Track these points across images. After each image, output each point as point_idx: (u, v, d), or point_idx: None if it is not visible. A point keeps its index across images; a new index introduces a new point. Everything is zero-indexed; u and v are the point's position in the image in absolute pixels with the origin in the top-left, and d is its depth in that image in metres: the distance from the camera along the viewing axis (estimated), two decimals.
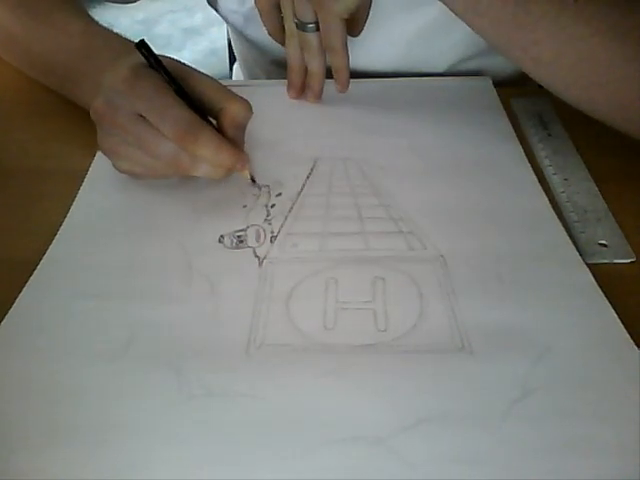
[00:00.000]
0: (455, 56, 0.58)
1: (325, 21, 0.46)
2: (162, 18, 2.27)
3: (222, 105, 0.41)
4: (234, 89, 0.58)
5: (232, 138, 0.40)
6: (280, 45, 0.53)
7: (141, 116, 0.38)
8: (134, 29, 2.18)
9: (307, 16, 0.47)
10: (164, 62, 0.40)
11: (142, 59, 0.39)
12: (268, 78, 0.67)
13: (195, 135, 0.37)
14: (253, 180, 0.43)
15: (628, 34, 0.40)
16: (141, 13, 2.27)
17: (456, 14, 0.44)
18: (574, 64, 0.41)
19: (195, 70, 0.42)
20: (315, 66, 0.50)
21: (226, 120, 0.41)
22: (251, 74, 0.72)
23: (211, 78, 0.42)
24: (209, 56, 2.04)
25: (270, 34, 0.52)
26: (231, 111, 0.41)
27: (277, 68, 0.62)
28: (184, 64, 0.42)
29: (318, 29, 0.48)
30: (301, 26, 0.48)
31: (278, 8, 0.50)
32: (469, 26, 0.44)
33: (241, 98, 0.41)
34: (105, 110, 0.39)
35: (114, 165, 0.42)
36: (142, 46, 0.39)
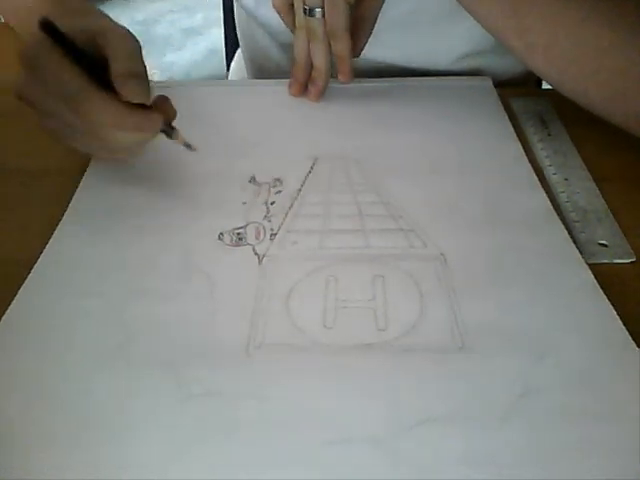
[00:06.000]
0: (458, 51, 0.58)
1: (330, 4, 0.47)
2: (162, 18, 2.27)
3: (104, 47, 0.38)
4: (235, 89, 0.58)
5: (131, 91, 0.37)
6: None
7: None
8: (134, 29, 2.13)
9: (314, 1, 0.47)
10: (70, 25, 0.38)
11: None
12: (277, 67, 0.67)
13: (83, 104, 0.36)
14: (188, 145, 0.40)
15: (619, 22, 0.40)
16: (141, 13, 2.26)
17: (458, 1, 0.44)
18: (566, 51, 0.41)
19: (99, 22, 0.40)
20: (319, 59, 0.50)
21: (111, 61, 0.37)
22: (258, 65, 0.72)
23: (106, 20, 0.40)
24: (209, 56, 2.04)
25: (292, 32, 0.52)
26: (110, 44, 0.37)
27: (287, 55, 0.62)
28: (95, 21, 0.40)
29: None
30: (309, 12, 0.48)
31: (293, 5, 0.50)
32: (469, 12, 0.45)
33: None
34: (24, 96, 0.38)
35: (62, 142, 0.41)
36: (46, 26, 0.37)
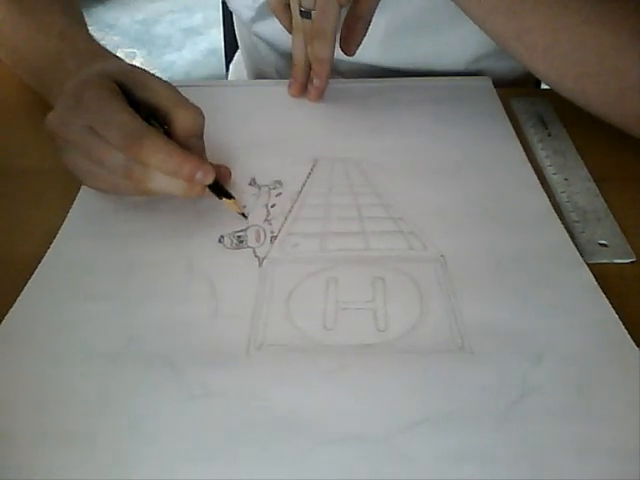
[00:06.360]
0: (464, 55, 0.58)
1: (321, 4, 0.46)
2: (162, 18, 2.27)
3: (170, 113, 0.39)
4: (235, 89, 0.58)
5: (187, 147, 0.38)
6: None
7: (92, 129, 0.37)
8: (134, 29, 2.18)
9: (309, 2, 0.47)
10: (119, 70, 0.40)
11: (100, 69, 0.39)
12: (276, 72, 0.67)
13: (140, 141, 0.36)
14: (244, 215, 0.41)
15: (619, 24, 0.40)
16: (141, 13, 2.26)
17: (456, 3, 0.44)
18: (566, 53, 0.42)
19: (149, 76, 0.40)
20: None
21: (175, 128, 0.39)
22: (257, 69, 0.72)
23: (164, 84, 0.40)
24: (209, 56, 2.04)
25: (289, 32, 0.52)
26: (178, 118, 0.38)
27: (286, 62, 0.62)
28: (139, 69, 0.41)
29: None
30: (305, 14, 0.48)
31: (289, 6, 0.50)
32: (468, 15, 0.45)
33: (190, 104, 0.39)
34: (56, 126, 0.38)
35: (82, 182, 0.41)
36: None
